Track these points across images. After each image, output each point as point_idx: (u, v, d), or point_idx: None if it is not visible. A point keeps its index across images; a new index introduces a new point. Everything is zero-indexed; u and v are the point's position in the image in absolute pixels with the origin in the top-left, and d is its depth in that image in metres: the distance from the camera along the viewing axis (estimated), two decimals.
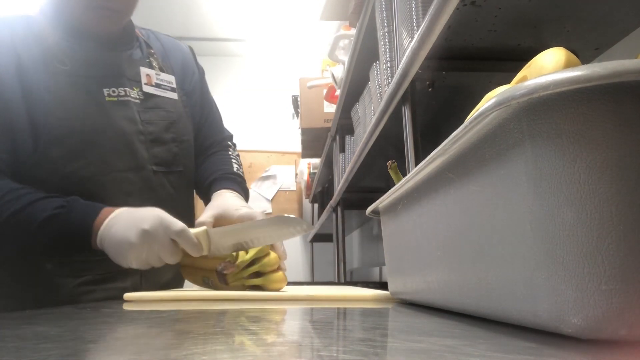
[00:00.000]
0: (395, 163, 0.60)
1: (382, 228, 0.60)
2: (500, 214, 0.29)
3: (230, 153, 1.07)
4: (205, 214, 0.84)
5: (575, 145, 0.23)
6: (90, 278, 0.85)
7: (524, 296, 0.26)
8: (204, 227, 0.78)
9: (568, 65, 0.36)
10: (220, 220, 0.83)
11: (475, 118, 0.28)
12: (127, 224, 0.76)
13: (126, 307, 0.59)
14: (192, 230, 0.77)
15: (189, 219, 1.02)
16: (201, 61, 1.12)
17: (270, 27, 3.55)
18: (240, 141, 1.16)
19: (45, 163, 0.81)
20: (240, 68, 3.94)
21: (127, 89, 0.89)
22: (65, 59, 0.85)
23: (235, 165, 1.03)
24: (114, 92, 0.88)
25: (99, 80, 0.87)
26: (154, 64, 0.97)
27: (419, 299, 0.48)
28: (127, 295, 0.70)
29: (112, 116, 0.86)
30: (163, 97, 0.95)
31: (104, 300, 0.81)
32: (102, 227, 0.76)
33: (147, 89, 0.93)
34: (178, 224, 0.76)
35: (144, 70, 0.93)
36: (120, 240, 0.74)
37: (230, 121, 1.15)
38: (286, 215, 0.76)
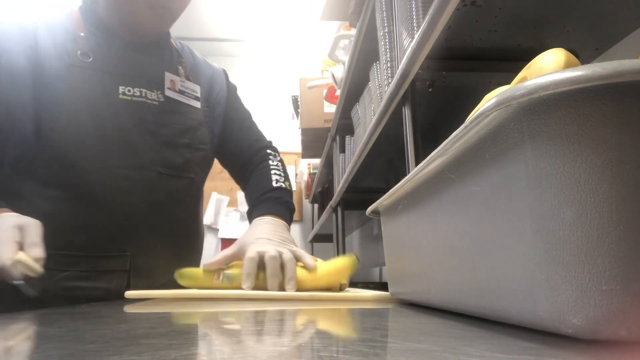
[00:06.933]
0: None
1: (382, 228, 0.60)
2: (500, 214, 0.29)
3: (270, 162, 1.06)
4: (224, 253, 0.83)
5: (575, 145, 0.23)
6: (73, 274, 0.83)
7: (524, 296, 0.26)
8: None
9: (568, 66, 0.35)
10: (239, 256, 0.83)
11: (475, 118, 0.28)
12: None
13: (126, 307, 0.59)
14: None
15: (194, 227, 1.02)
16: None
17: (270, 27, 3.55)
18: None
19: (47, 151, 0.82)
20: (241, 68, 3.94)
21: (144, 90, 0.91)
22: (90, 53, 0.87)
23: (274, 177, 1.02)
24: (129, 91, 0.89)
25: (117, 77, 0.89)
26: (181, 71, 0.99)
27: (419, 299, 0.48)
28: (129, 293, 0.70)
29: (120, 114, 0.87)
30: (185, 103, 0.97)
31: (85, 300, 0.78)
32: None
33: (169, 93, 0.94)
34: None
35: (168, 76, 0.95)
36: None
37: None
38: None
